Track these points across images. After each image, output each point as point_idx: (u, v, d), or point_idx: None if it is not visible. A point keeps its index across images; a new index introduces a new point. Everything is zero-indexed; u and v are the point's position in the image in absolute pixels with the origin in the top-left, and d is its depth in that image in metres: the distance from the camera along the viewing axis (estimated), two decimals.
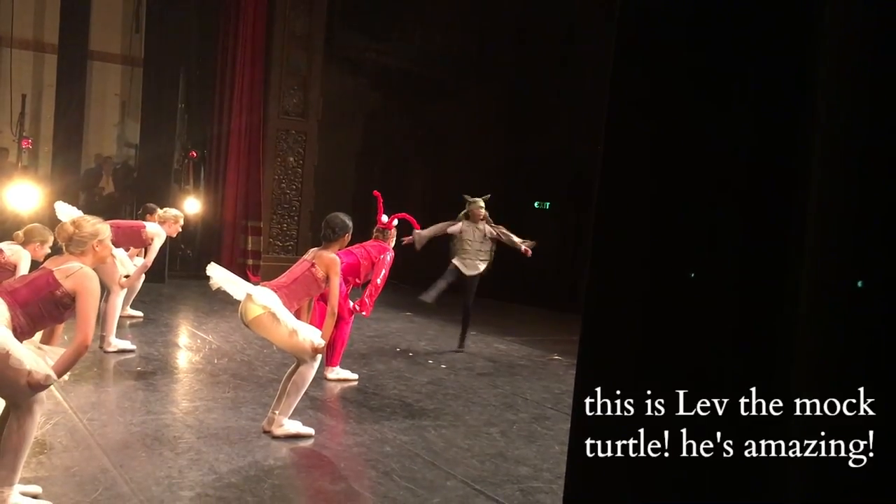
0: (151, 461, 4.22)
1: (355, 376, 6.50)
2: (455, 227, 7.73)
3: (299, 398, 4.84)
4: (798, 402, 1.28)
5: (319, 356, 4.78)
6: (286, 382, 4.83)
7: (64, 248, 3.54)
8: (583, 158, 11.88)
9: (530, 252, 7.76)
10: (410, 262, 8.08)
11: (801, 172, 1.26)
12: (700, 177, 1.35)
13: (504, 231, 7.79)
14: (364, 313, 6.40)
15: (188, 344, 7.61)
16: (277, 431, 4.76)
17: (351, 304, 6.32)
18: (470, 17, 13.74)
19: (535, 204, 12.85)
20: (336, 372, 6.42)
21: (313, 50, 12.98)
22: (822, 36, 1.25)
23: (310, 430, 4.86)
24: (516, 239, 7.77)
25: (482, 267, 7.72)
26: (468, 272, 7.70)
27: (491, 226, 7.77)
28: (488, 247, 7.75)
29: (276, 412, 4.80)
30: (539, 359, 8.04)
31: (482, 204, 7.74)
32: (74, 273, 3.37)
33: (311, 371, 4.76)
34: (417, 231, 7.59)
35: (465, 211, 7.80)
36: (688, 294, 1.36)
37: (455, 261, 7.72)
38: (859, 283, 1.25)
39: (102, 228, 3.58)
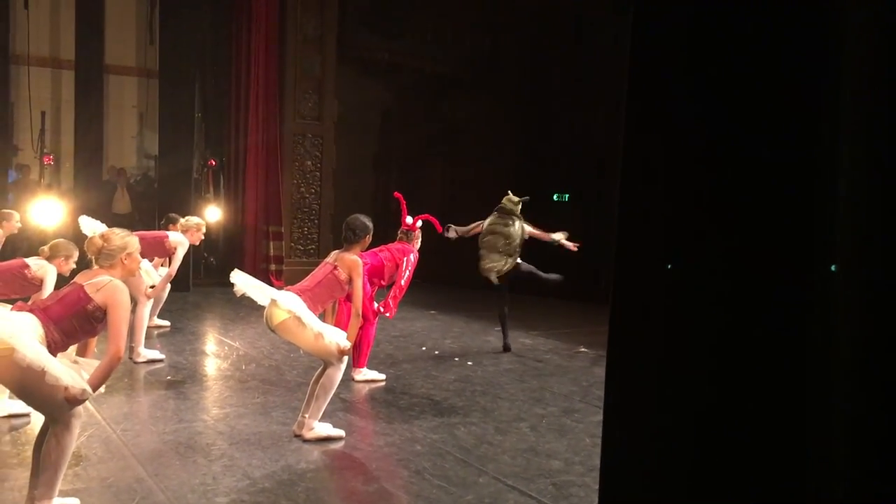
0: (186, 469, 4.26)
1: (383, 377, 6.52)
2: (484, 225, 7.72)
3: (328, 401, 4.86)
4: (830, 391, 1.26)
5: (346, 358, 4.80)
6: (314, 386, 4.85)
7: (93, 261, 3.58)
8: (600, 149, 11.84)
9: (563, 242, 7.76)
10: (443, 262, 8.10)
11: (824, 169, 1.25)
12: (722, 168, 1.34)
13: (530, 227, 7.74)
14: (388, 315, 6.42)
15: (216, 351, 7.67)
16: (308, 435, 4.79)
17: (375, 305, 6.34)
18: (482, 13, 13.72)
19: (555, 196, 12.81)
20: (363, 373, 6.44)
21: (326, 52, 13.02)
22: (844, 33, 1.24)
23: (340, 433, 4.88)
24: (542, 234, 7.77)
25: (509, 263, 7.62)
26: (494, 266, 7.63)
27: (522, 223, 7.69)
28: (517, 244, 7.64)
29: (307, 416, 4.83)
30: (565, 351, 8.02)
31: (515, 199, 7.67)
32: (105, 286, 3.41)
33: (338, 373, 4.78)
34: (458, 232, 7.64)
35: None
36: (711, 286, 1.35)
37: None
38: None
39: (131, 241, 3.62)
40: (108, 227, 4.16)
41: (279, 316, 4.60)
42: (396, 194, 6.85)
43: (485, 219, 7.73)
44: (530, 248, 7.77)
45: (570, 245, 7.73)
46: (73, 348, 3.53)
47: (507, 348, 7.88)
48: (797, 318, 1.25)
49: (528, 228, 7.62)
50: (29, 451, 4.32)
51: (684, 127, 1.39)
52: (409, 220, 6.67)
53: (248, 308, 9.57)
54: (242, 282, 4.77)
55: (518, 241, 7.55)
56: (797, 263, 1.25)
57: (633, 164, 1.43)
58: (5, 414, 5.03)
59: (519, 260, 7.61)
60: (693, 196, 1.36)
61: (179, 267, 7.40)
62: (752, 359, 1.28)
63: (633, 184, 1.42)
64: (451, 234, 7.69)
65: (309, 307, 4.65)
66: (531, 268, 7.73)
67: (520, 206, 7.65)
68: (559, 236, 7.71)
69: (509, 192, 7.75)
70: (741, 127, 1.33)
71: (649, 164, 1.40)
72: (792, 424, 1.24)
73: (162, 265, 7.79)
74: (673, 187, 1.37)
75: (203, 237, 7.90)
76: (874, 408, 1.17)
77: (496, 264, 7.55)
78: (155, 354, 6.97)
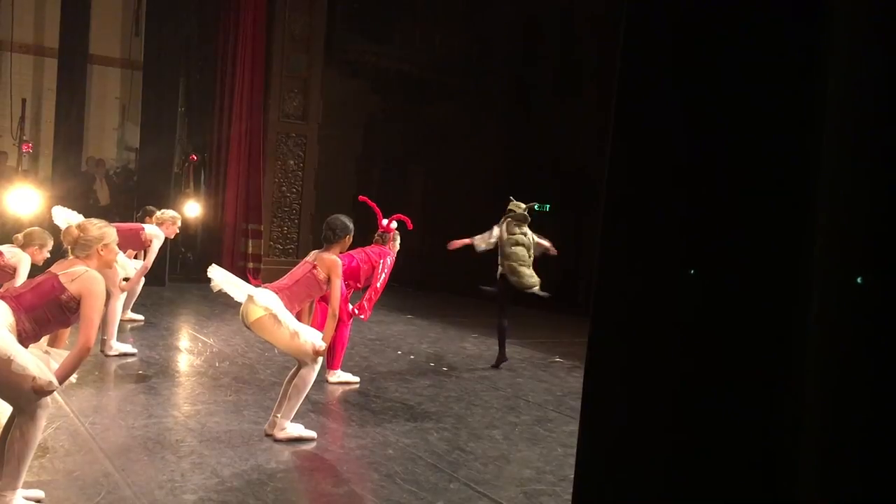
0: (154, 465, 4.22)
1: (357, 379, 6.49)
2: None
3: (301, 401, 4.83)
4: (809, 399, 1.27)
5: (320, 359, 4.77)
6: (287, 386, 4.82)
7: (69, 251, 3.53)
8: (583, 160, 11.90)
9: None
10: (434, 267, 7.98)
11: (811, 167, 1.26)
12: (708, 174, 1.35)
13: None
14: (363, 317, 6.39)
15: (189, 347, 7.60)
16: (279, 435, 4.75)
17: (350, 307, 6.31)
18: (470, 19, 13.76)
19: (536, 206, 12.83)
20: (337, 375, 6.41)
21: (313, 52, 12.99)
22: (832, 27, 1.25)
23: (312, 434, 4.85)
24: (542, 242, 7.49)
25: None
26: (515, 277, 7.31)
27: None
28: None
29: (278, 415, 4.79)
30: (540, 361, 8.03)
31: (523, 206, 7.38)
32: (80, 276, 3.37)
33: (312, 374, 4.75)
34: (474, 244, 7.36)
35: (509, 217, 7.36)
36: (696, 293, 1.35)
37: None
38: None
39: (108, 232, 3.58)
40: (85, 217, 4.12)
41: (255, 313, 4.57)
42: (362, 198, 6.78)
43: (494, 224, 7.42)
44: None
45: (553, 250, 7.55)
46: (44, 339, 3.48)
47: (501, 361, 7.52)
48: (784, 326, 1.25)
49: (535, 237, 7.42)
50: None
51: (672, 134, 1.40)
52: (384, 222, 6.65)
53: (224, 305, 9.49)
54: (220, 277, 4.73)
55: (534, 250, 7.34)
56: (783, 271, 1.26)
57: (619, 170, 1.43)
58: None
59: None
60: (681, 202, 1.37)
61: (154, 260, 7.35)
62: (735, 369, 1.28)
63: (618, 190, 1.42)
64: (482, 246, 7.37)
65: (286, 305, 4.62)
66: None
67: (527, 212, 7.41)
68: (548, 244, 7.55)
69: (511, 197, 7.49)
70: (730, 134, 1.33)
71: (636, 171, 1.40)
72: (777, 433, 1.24)
73: (136, 257, 7.71)
74: (660, 194, 1.37)
75: (178, 231, 7.86)
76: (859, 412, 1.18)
77: (532, 279, 7.24)
78: (127, 348, 6.90)
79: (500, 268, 7.33)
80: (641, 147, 1.39)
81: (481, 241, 7.40)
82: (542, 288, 7.37)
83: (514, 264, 7.20)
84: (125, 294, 7.26)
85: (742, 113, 1.32)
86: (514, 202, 7.41)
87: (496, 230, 7.34)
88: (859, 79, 1.22)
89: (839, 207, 1.23)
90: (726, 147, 1.33)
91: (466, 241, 7.44)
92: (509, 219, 7.31)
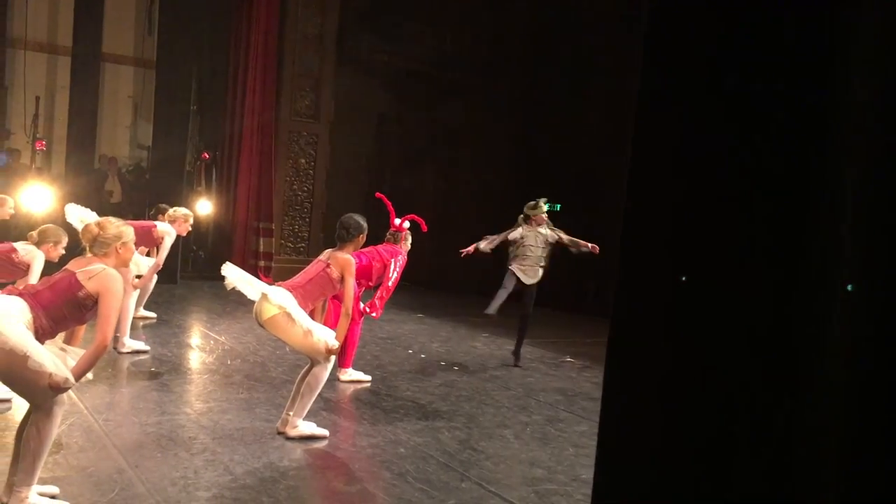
0: (167, 462, 4.23)
1: (368, 378, 6.50)
2: (515, 233, 7.33)
3: (313, 399, 4.84)
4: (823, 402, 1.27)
5: (333, 357, 4.78)
6: (300, 384, 4.83)
7: (87, 249, 3.55)
8: (594, 159, 11.88)
9: (598, 249, 7.35)
10: (443, 267, 7.92)
11: (832, 170, 1.25)
12: (730, 177, 1.34)
13: (564, 234, 7.44)
14: (374, 315, 6.40)
15: (201, 345, 7.63)
16: (292, 433, 4.76)
17: (361, 305, 6.32)
18: (481, 17, 13.74)
19: (546, 205, 12.82)
20: (349, 373, 6.42)
21: (325, 51, 13.01)
22: (853, 28, 1.24)
23: (324, 432, 4.86)
24: (580, 241, 7.40)
25: (541, 273, 7.34)
26: (528, 280, 7.30)
27: (552, 230, 7.41)
28: (548, 252, 7.39)
29: (291, 413, 4.81)
30: (551, 360, 8.03)
31: (545, 208, 7.37)
32: (98, 274, 3.39)
33: (324, 372, 4.76)
34: (481, 246, 7.34)
35: (523, 215, 7.39)
36: (713, 298, 1.35)
37: (514, 268, 7.30)
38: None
39: (126, 231, 3.59)
40: (99, 215, 4.13)
41: (269, 311, 4.58)
42: (379, 195, 6.82)
43: (507, 222, 7.48)
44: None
45: (593, 247, 7.39)
46: (60, 335, 3.50)
47: (518, 360, 7.59)
48: (808, 329, 1.25)
49: (552, 233, 7.46)
50: (9, 437, 4.29)
51: (694, 134, 1.39)
52: (396, 221, 6.66)
53: (235, 303, 9.52)
54: (234, 275, 4.75)
55: (551, 248, 7.41)
56: (806, 274, 1.25)
57: (642, 171, 1.42)
58: None
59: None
60: (702, 206, 1.36)
61: (166, 258, 7.38)
62: (761, 376, 1.28)
63: (641, 192, 1.42)
64: (487, 246, 7.38)
65: (299, 304, 4.63)
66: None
67: (545, 211, 7.43)
68: (583, 242, 7.43)
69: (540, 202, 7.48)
70: (753, 135, 1.33)
71: (658, 172, 1.40)
72: (801, 439, 1.24)
73: (147, 255, 7.74)
74: (682, 196, 1.37)
75: (190, 228, 7.88)
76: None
77: (538, 279, 7.34)
78: (140, 345, 6.93)
79: (527, 268, 7.35)
80: (664, 150, 1.39)
81: (487, 245, 7.41)
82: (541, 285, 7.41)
83: (525, 262, 7.31)
84: (138, 291, 7.30)
85: (765, 116, 1.32)
86: (533, 203, 7.45)
87: (518, 231, 7.36)
88: (882, 85, 1.21)
89: (861, 214, 1.23)
90: (750, 152, 1.33)
91: (471, 248, 7.44)
92: (527, 220, 7.39)
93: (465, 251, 7.43)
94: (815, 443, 1.21)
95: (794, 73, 1.31)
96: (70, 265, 3.49)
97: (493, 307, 7.24)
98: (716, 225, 1.32)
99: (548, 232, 7.40)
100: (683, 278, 1.32)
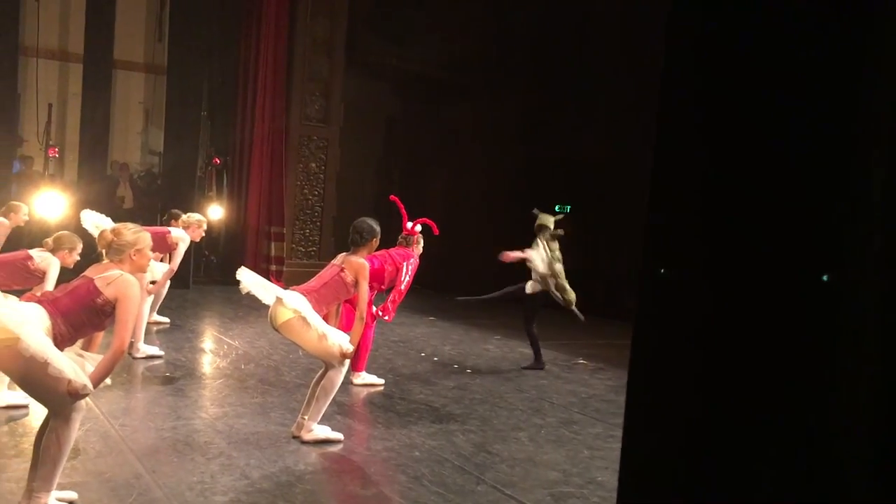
0: (183, 466, 4.25)
1: (381, 381, 6.51)
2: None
3: (328, 403, 4.85)
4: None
5: (347, 361, 4.79)
6: (315, 387, 4.85)
7: (103, 255, 3.57)
8: (604, 160, 11.87)
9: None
10: (450, 269, 7.89)
11: (860, 171, 1.25)
12: (757, 175, 1.34)
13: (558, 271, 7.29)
14: (387, 318, 6.41)
15: (215, 349, 7.65)
16: (307, 437, 4.77)
17: (374, 309, 6.33)
18: (489, 21, 13.76)
19: (556, 207, 12.82)
20: (362, 377, 6.43)
21: (334, 56, 13.06)
22: (882, 26, 1.24)
23: (339, 436, 4.87)
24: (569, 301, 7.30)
25: (537, 287, 7.29)
26: (528, 288, 7.31)
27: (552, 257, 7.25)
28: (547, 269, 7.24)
29: (306, 417, 4.82)
30: (564, 363, 8.01)
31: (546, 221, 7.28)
32: (116, 280, 3.40)
33: (339, 376, 4.77)
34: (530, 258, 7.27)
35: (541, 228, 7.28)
36: (745, 296, 1.35)
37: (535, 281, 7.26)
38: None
39: (142, 237, 3.60)
40: (113, 221, 4.15)
41: (284, 315, 4.60)
42: (393, 197, 6.83)
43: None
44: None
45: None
46: (79, 342, 3.52)
47: (540, 365, 7.52)
48: (841, 330, 1.25)
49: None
50: (27, 443, 4.32)
51: (719, 132, 1.39)
52: (409, 225, 6.67)
53: (248, 307, 9.56)
54: (249, 280, 4.76)
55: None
56: (838, 275, 1.25)
57: (665, 170, 1.42)
58: (3, 405, 5.01)
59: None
60: (728, 205, 1.36)
61: (180, 263, 7.42)
62: (787, 374, 1.27)
63: (664, 194, 1.42)
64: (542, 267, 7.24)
65: (314, 308, 4.64)
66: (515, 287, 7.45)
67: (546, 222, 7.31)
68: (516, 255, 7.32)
69: (535, 210, 7.41)
70: (781, 131, 1.32)
71: (682, 172, 1.40)
72: (834, 440, 1.23)
73: (161, 260, 7.78)
74: (707, 195, 1.37)
75: (204, 234, 7.92)
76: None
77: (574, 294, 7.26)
78: (154, 350, 6.96)
79: (534, 282, 7.28)
80: (687, 149, 1.39)
81: (539, 261, 7.21)
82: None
83: (563, 282, 7.19)
84: (152, 297, 7.34)
85: (794, 114, 1.31)
86: (543, 215, 7.33)
87: (541, 247, 7.22)
88: None
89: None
90: (776, 152, 1.33)
91: (520, 254, 7.29)
92: (548, 235, 7.24)
93: (508, 257, 7.31)
94: (847, 445, 1.21)
95: (821, 73, 1.31)
96: (88, 271, 3.51)
97: (469, 298, 7.66)
98: (743, 226, 1.32)
99: (553, 253, 7.23)
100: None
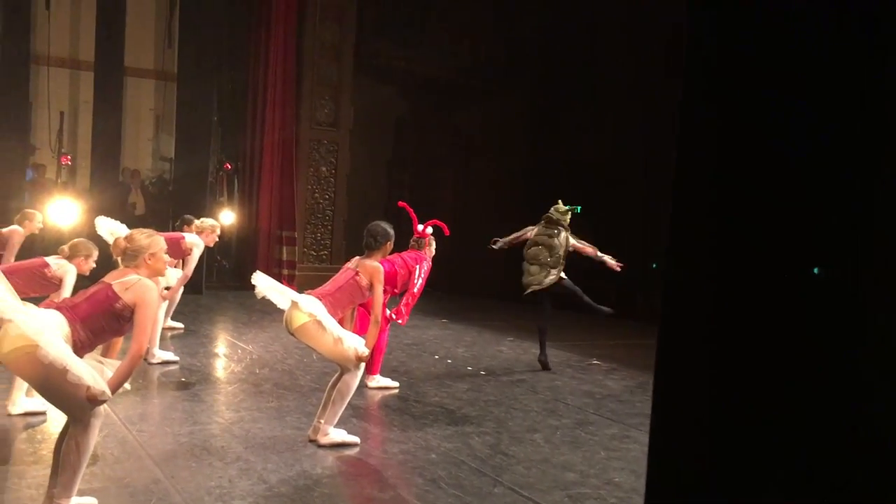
0: (201, 471, 4.26)
1: (396, 384, 6.51)
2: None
3: (344, 407, 4.86)
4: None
5: (363, 364, 4.80)
6: (330, 391, 4.85)
7: (119, 261, 3.59)
8: (613, 159, 11.85)
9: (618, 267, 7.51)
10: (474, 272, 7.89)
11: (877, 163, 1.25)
12: (781, 180, 1.34)
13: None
14: (400, 322, 6.42)
15: (229, 354, 7.68)
16: (323, 440, 4.78)
17: (388, 312, 6.34)
18: (497, 24, 13.77)
19: (570, 207, 12.77)
20: (377, 380, 6.44)
21: (343, 60, 13.10)
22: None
23: (355, 439, 4.88)
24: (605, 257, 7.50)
25: (548, 278, 7.29)
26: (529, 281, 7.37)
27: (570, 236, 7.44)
28: (560, 257, 7.33)
29: (322, 421, 4.82)
30: (578, 363, 8.00)
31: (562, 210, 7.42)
32: (134, 285, 3.42)
33: (355, 379, 4.78)
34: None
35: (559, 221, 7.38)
36: (766, 297, 1.34)
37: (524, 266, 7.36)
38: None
39: (156, 241, 3.62)
40: (127, 227, 4.18)
41: (299, 319, 4.61)
42: (401, 203, 6.84)
43: (526, 226, 7.50)
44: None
45: (615, 265, 7.37)
46: (98, 348, 3.54)
47: (545, 365, 7.48)
48: (872, 333, 1.24)
49: (573, 241, 7.30)
50: (45, 449, 4.35)
51: (741, 132, 1.39)
52: (419, 228, 6.68)
53: (261, 312, 9.60)
54: (264, 284, 4.77)
55: (562, 252, 7.20)
56: (868, 276, 1.25)
57: (688, 168, 1.42)
58: (22, 411, 5.04)
59: (563, 274, 7.23)
60: (749, 204, 1.36)
61: (193, 269, 7.44)
62: (814, 374, 1.27)
63: (687, 196, 1.42)
64: (498, 244, 7.58)
65: (329, 312, 4.65)
66: (576, 288, 7.32)
67: (568, 216, 7.33)
68: (607, 258, 7.36)
69: (559, 201, 7.45)
70: (802, 132, 1.32)
71: (704, 169, 1.40)
72: (866, 445, 1.23)
73: (175, 266, 7.81)
74: (732, 199, 1.36)
75: (217, 239, 7.95)
76: None
77: (535, 277, 7.21)
78: (169, 356, 6.99)
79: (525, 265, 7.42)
80: (709, 148, 1.39)
81: (505, 241, 7.62)
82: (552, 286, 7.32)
83: (525, 263, 7.36)
84: (166, 302, 7.37)
85: (816, 114, 1.31)
86: (557, 205, 7.45)
87: (532, 230, 7.45)
88: None
89: None
90: (802, 155, 1.33)
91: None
92: (543, 220, 7.43)
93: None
94: (880, 450, 1.20)
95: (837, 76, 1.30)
96: (106, 277, 3.53)
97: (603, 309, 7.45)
98: (770, 228, 1.32)
99: (564, 238, 7.29)
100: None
